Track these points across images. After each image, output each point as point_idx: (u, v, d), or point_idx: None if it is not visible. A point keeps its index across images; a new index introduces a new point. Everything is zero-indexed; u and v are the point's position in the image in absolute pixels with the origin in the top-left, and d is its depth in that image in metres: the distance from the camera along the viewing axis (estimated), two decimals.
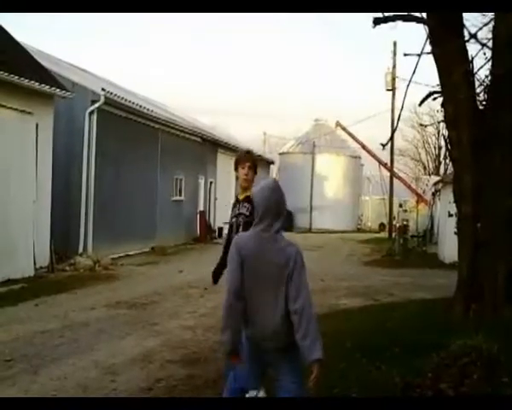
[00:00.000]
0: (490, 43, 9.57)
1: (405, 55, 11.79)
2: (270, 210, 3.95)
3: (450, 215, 11.82)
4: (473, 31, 10.01)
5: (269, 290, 3.91)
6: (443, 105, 9.67)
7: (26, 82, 13.17)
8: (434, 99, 10.38)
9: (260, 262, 3.91)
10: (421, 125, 37.43)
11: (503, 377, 5.35)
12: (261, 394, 4.09)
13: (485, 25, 10.19)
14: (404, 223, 28.46)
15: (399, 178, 42.64)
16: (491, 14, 9.74)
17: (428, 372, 5.61)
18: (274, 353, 4.02)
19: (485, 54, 9.91)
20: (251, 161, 5.61)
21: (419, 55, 10.78)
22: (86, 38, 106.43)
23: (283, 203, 4.03)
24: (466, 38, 9.51)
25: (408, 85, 11.43)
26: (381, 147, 15.06)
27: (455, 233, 9.66)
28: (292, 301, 3.83)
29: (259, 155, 38.24)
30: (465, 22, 9.29)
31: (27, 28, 78.65)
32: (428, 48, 9.97)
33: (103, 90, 16.90)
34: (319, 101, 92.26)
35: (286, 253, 3.90)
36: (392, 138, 20.04)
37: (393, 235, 29.21)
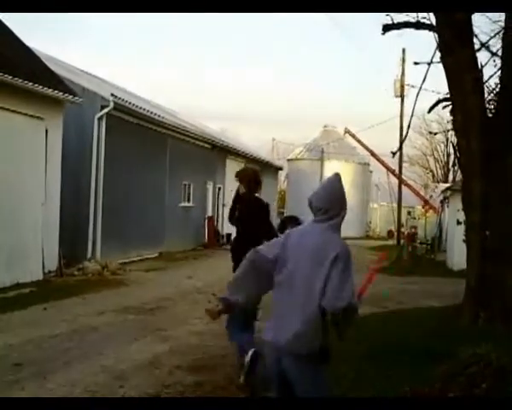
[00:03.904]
0: (500, 52, 9.56)
1: (415, 63, 11.80)
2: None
3: (459, 223, 11.81)
4: (483, 39, 10.02)
5: None
6: (452, 112, 9.66)
7: (36, 87, 13.27)
8: (444, 107, 10.37)
9: None
10: (430, 132, 37.29)
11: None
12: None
13: (497, 33, 10.18)
14: (413, 230, 28.42)
15: (408, 185, 42.55)
16: (501, 23, 9.74)
17: (437, 381, 5.58)
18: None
19: (494, 61, 9.91)
20: None
21: (429, 64, 10.77)
22: (91, 39, 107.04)
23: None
24: (477, 47, 9.50)
25: (417, 94, 11.40)
26: (391, 155, 15.05)
27: (463, 241, 9.65)
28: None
29: (268, 161, 38.22)
30: (475, 29, 9.29)
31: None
32: (438, 55, 9.97)
33: (112, 95, 16.95)
34: (328, 107, 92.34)
35: None
36: (401, 147, 20.01)
37: (402, 242, 29.16)
